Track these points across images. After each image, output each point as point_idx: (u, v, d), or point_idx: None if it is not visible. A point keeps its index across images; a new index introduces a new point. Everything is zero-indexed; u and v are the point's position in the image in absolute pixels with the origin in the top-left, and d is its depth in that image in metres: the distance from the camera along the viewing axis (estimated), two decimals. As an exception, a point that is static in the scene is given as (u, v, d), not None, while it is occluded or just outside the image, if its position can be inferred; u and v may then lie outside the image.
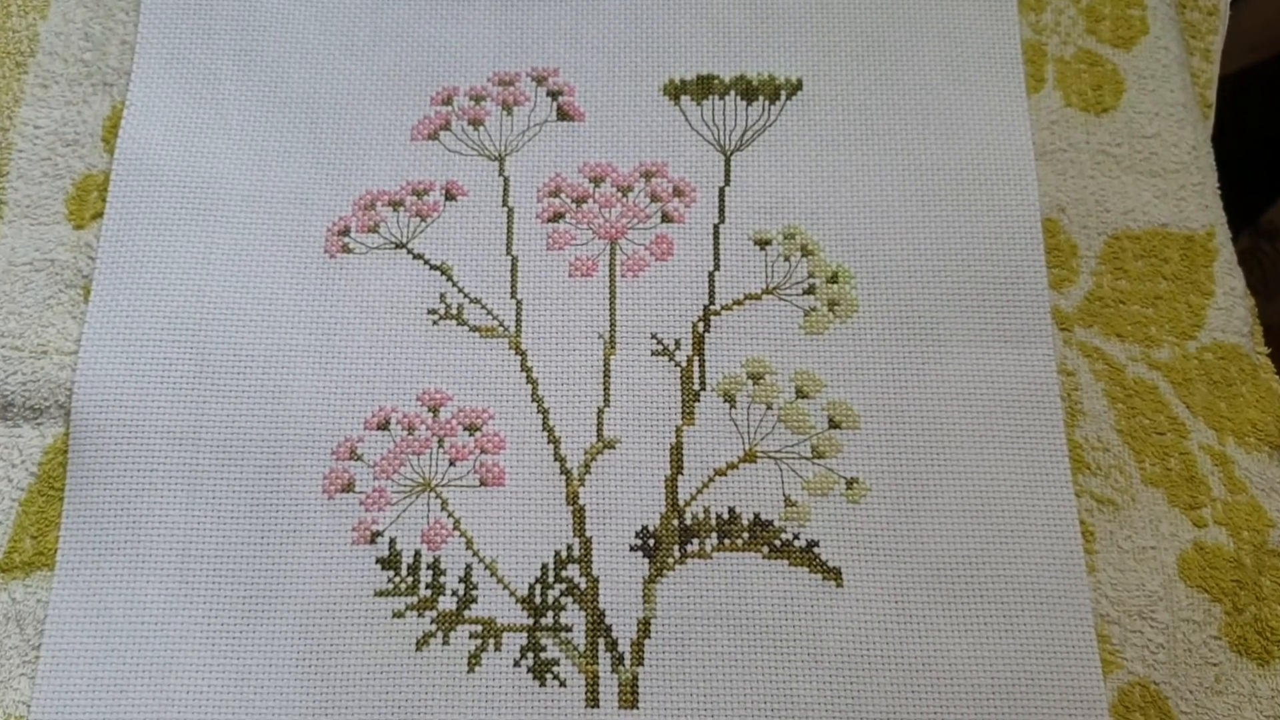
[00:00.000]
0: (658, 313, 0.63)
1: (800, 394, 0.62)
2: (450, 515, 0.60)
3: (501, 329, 0.63)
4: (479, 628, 0.58)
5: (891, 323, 0.64)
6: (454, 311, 0.64)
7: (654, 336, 0.63)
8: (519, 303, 0.64)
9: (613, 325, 0.63)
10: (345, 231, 0.65)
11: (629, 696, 0.57)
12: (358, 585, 0.59)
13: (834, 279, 0.65)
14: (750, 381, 0.62)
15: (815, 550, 0.60)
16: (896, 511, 0.60)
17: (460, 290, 0.64)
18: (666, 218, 0.66)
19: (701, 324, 0.63)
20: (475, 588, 0.59)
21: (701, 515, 0.60)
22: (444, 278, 0.65)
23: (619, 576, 0.59)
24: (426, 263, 0.65)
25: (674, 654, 0.58)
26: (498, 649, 0.58)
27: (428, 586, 0.59)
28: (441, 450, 0.61)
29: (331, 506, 0.60)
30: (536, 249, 0.65)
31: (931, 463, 0.62)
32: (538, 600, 0.59)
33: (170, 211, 0.65)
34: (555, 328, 0.63)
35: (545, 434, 0.61)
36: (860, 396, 0.63)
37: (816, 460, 0.61)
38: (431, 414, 0.62)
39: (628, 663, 0.58)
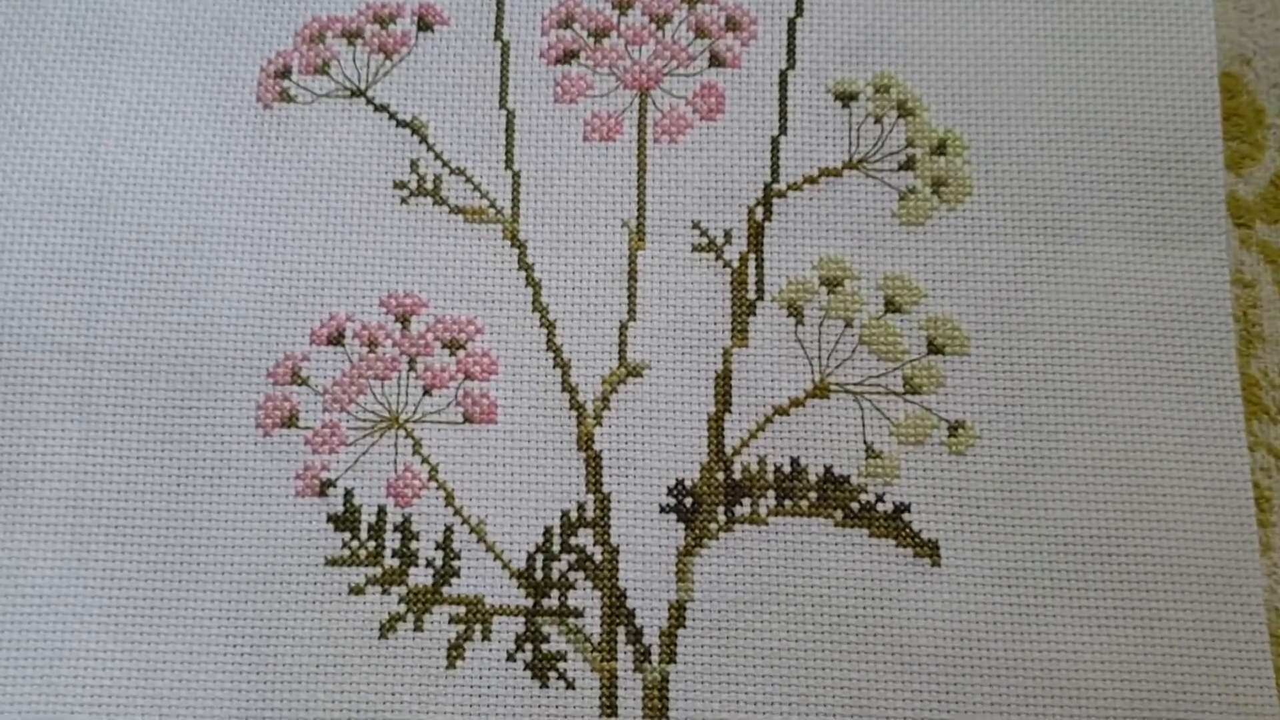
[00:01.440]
0: (702, 193, 0.55)
1: (891, 306, 0.54)
2: (425, 461, 0.53)
3: (493, 211, 0.55)
4: (462, 610, 0.51)
5: (1014, 211, 0.55)
6: (429, 186, 0.55)
7: (696, 226, 0.55)
8: (516, 175, 0.56)
9: (641, 209, 0.55)
10: (284, 73, 0.57)
11: (656, 703, 0.50)
12: (302, 551, 0.51)
13: (940, 149, 0.56)
14: (824, 289, 0.54)
15: (905, 517, 0.52)
16: (1013, 467, 0.52)
17: (438, 156, 0.56)
18: (716, 60, 0.57)
19: (760, 209, 0.55)
20: (457, 557, 0.52)
21: (755, 467, 0.52)
22: (416, 138, 0.56)
23: (645, 546, 0.52)
24: (393, 117, 0.56)
25: (715, 649, 0.50)
26: (486, 638, 0.51)
27: (395, 554, 0.52)
28: (413, 374, 0.53)
29: (267, 446, 0.52)
30: (540, 101, 0.56)
31: (1061, 402, 0.53)
32: (539, 575, 0.51)
33: (55, 46, 0.57)
34: (565, 211, 0.55)
35: (550, 355, 0.53)
36: (970, 311, 0.54)
37: (910, 396, 0.53)
38: (400, 325, 0.54)
39: (655, 659, 0.50)
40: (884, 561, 0.51)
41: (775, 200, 0.55)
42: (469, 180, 0.55)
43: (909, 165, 0.55)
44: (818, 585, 0.50)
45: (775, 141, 0.56)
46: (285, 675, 0.49)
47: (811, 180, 0.55)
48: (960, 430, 0.52)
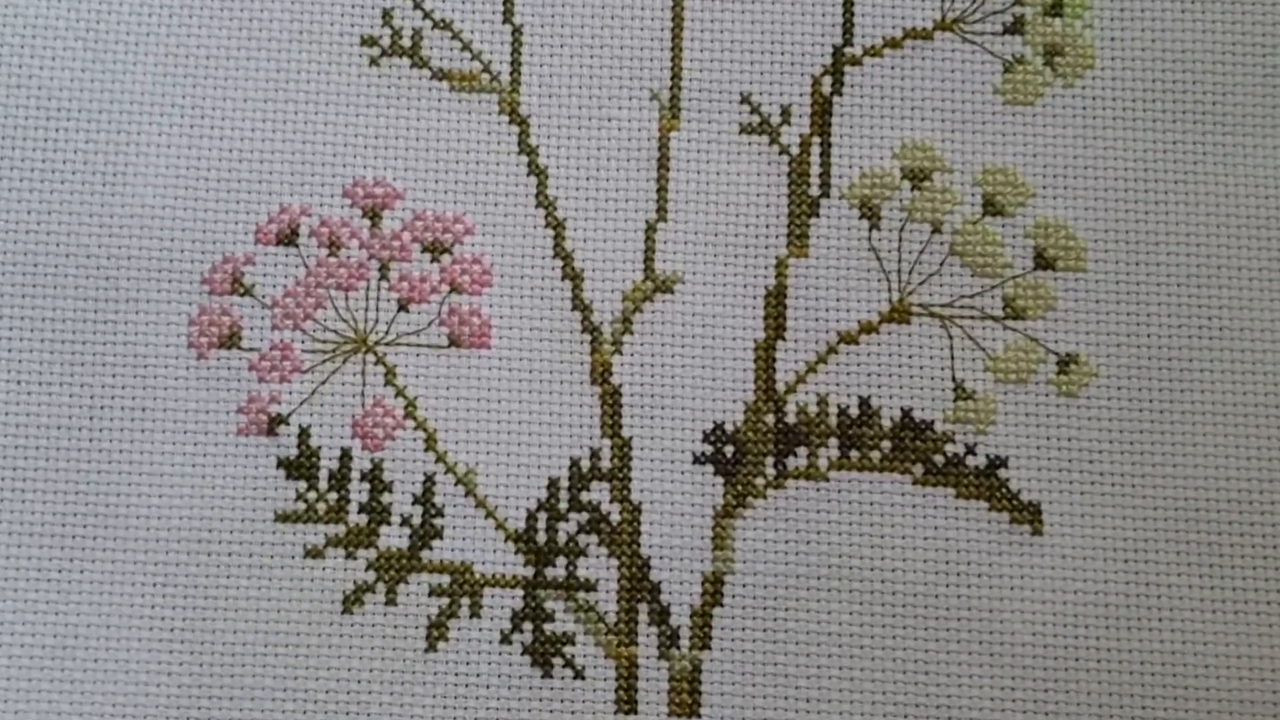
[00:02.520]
0: (754, 57, 0.51)
1: (990, 208, 0.49)
2: (400, 394, 0.48)
3: (487, 77, 0.50)
4: (446, 580, 0.47)
5: (1147, 90, 0.51)
6: (405, 43, 0.50)
7: (746, 100, 0.50)
8: (517, 31, 0.51)
9: (676, 77, 0.50)
10: None
11: (685, 697, 0.47)
12: (246, 504, 0.48)
13: (1056, 8, 0.51)
14: (906, 184, 0.49)
15: (1001, 473, 0.48)
16: (1136, 413, 0.48)
17: (417, 4, 0.51)
18: None
19: (829, 79, 0.50)
20: (440, 514, 0.48)
21: (814, 409, 0.48)
22: None
23: (675, 505, 0.48)
24: None
25: (759, 632, 0.47)
26: (475, 615, 0.47)
27: (362, 510, 0.48)
28: (385, 284, 0.49)
29: (202, 372, 0.48)
30: None
31: (1198, 333, 0.49)
32: (542, 538, 0.48)
33: None
34: (579, 79, 0.50)
35: (559, 264, 0.49)
36: (1089, 216, 0.49)
37: (1011, 322, 0.49)
38: (369, 222, 0.49)
39: (685, 645, 0.47)
40: (973, 529, 0.46)
41: (847, 69, 0.49)
42: (456, 36, 0.50)
43: (1016, 27, 0.50)
44: (889, 557, 0.46)
45: None
46: (226, 656, 0.46)
47: (893, 44, 0.50)
48: (1072, 366, 0.48)
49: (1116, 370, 0.48)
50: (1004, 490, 0.47)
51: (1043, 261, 0.49)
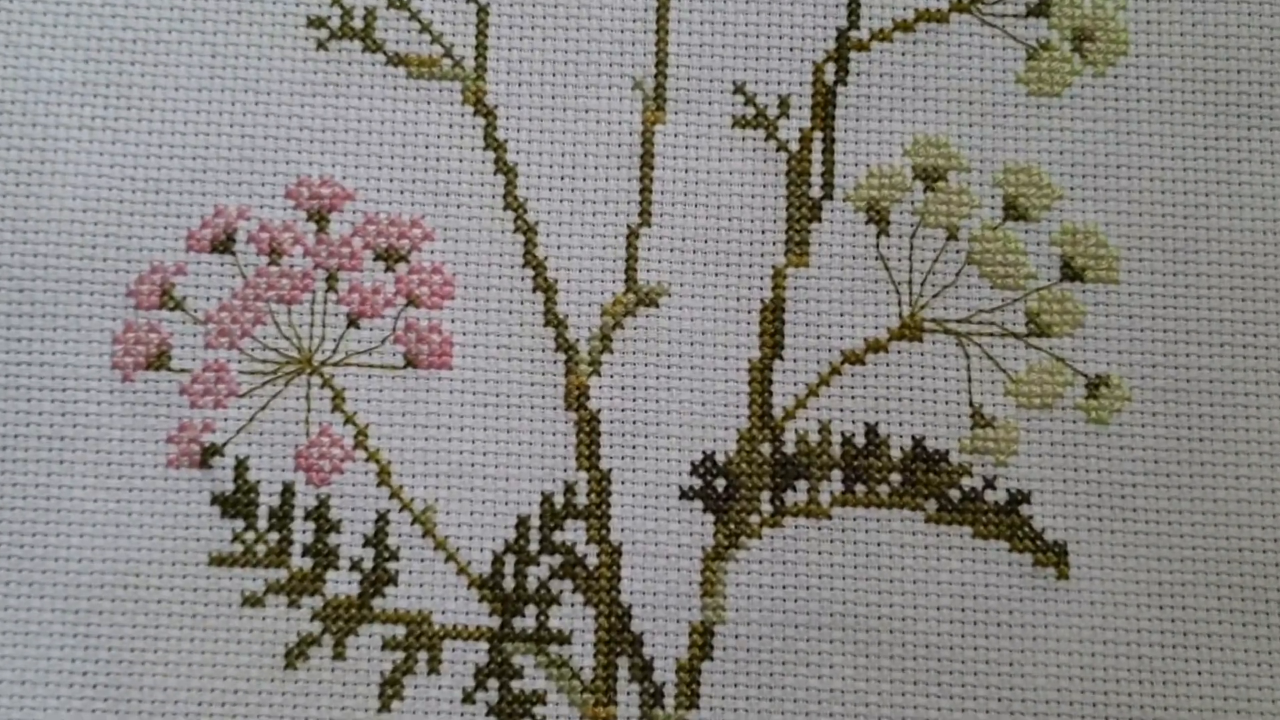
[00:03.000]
0: (749, 41, 0.48)
1: (1012, 211, 0.46)
2: (349, 420, 0.45)
3: (449, 63, 0.47)
4: (401, 631, 0.44)
5: (1187, 80, 0.47)
6: (357, 24, 0.47)
7: (739, 89, 0.47)
8: (482, 10, 0.47)
9: (661, 64, 0.47)
10: None
11: None
12: (177, 545, 0.45)
13: None
14: (919, 184, 0.46)
15: (1024, 510, 0.45)
16: (1173, 442, 0.45)
17: None
18: None
19: (832, 66, 0.47)
20: (394, 557, 0.45)
21: (816, 438, 0.45)
22: None
23: (659, 547, 0.45)
24: None
25: (753, 690, 0.44)
26: (434, 670, 0.44)
27: (307, 552, 0.45)
28: (334, 296, 0.45)
29: (128, 396, 0.45)
30: None
31: (1243, 352, 0.46)
32: (510, 585, 0.45)
33: None
34: (551, 65, 0.47)
35: (529, 273, 0.46)
36: (1122, 221, 0.46)
37: (1035, 340, 0.46)
38: (315, 225, 0.46)
39: (670, 704, 0.44)
40: (992, 571, 0.44)
41: (852, 55, 0.46)
42: (414, 16, 0.47)
43: (1041, 9, 0.47)
44: (898, 604, 0.44)
45: None
46: (155, 717, 0.42)
47: (904, 27, 0.47)
48: (1103, 389, 0.45)
49: (1152, 394, 0.45)
50: (1026, 529, 0.44)
51: (1070, 272, 0.46)
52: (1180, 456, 0.44)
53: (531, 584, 0.44)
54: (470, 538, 0.44)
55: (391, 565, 0.44)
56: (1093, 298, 0.46)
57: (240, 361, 0.45)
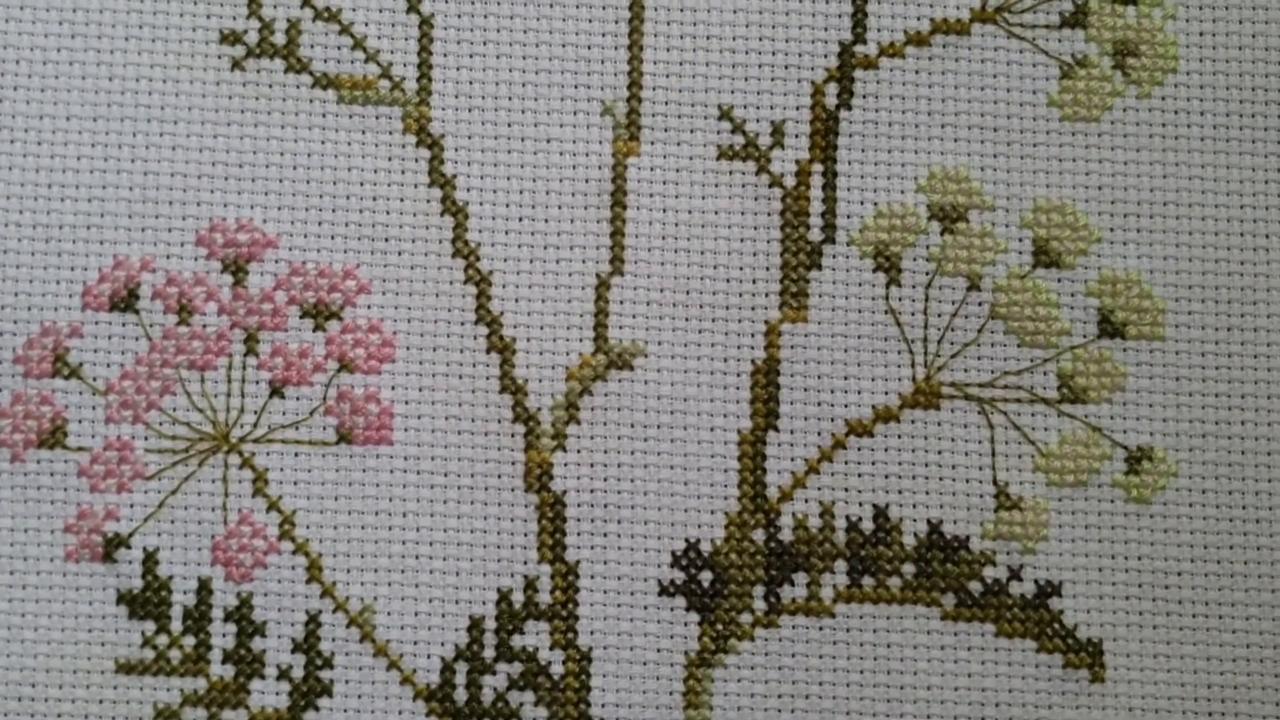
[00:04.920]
0: (736, 60, 0.45)
1: (1043, 256, 0.43)
2: (274, 506, 0.42)
3: (388, 85, 0.44)
4: None
5: (1243, 102, 0.44)
6: (278, 40, 0.44)
7: (726, 115, 0.44)
8: (426, 23, 0.44)
9: (635, 86, 0.44)
10: None
11: None
12: (79, 649, 0.42)
13: None
14: (934, 225, 0.43)
15: (1054, 604, 0.42)
16: (1228, 523, 0.42)
17: None
18: None
19: (834, 87, 0.44)
20: (328, 665, 0.42)
21: (816, 522, 0.43)
22: None
23: (635, 652, 0.43)
24: None
25: None
26: None
27: (228, 659, 0.42)
28: (254, 361, 0.42)
29: (18, 478, 0.43)
30: None
31: None
32: (461, 697, 0.42)
33: None
34: (508, 88, 0.44)
35: (483, 331, 0.43)
36: (1170, 267, 0.44)
37: (1069, 406, 0.43)
38: (231, 277, 0.43)
39: None
40: (1018, 674, 0.41)
41: (858, 73, 0.43)
42: (346, 30, 0.43)
43: (1078, 19, 0.43)
44: (912, 713, 0.41)
45: None
46: None
47: (919, 40, 0.43)
48: (1145, 463, 0.42)
49: (1201, 469, 0.43)
50: (1057, 625, 0.42)
51: (1109, 327, 0.43)
52: (1232, 540, 0.42)
53: (487, 696, 0.41)
54: (415, 642, 0.42)
55: (325, 674, 0.41)
56: (1134, 357, 0.43)
57: (147, 438, 0.42)
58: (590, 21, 0.43)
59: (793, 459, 0.42)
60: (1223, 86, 0.43)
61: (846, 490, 0.42)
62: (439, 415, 0.42)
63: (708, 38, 0.43)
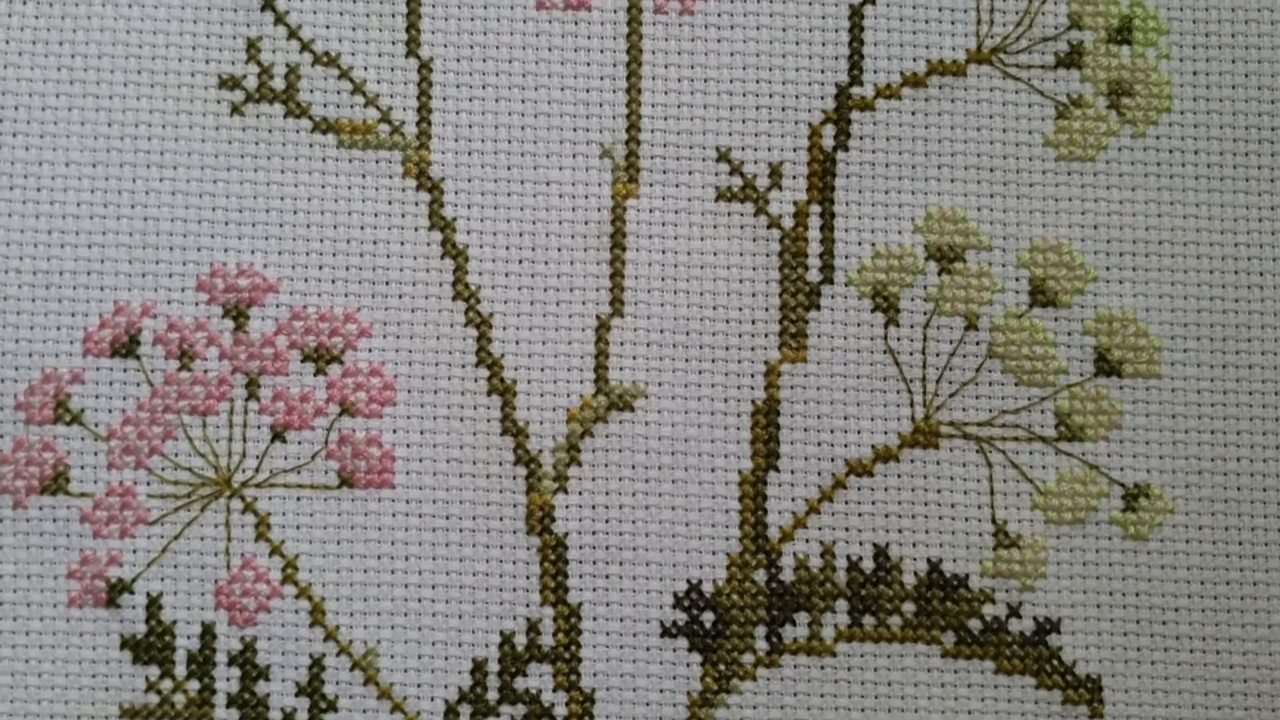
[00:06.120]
0: (734, 101, 0.45)
1: (1039, 295, 0.43)
2: (276, 551, 0.42)
3: (387, 129, 0.44)
4: None
5: (1238, 142, 0.44)
6: (278, 84, 0.44)
7: (724, 157, 0.44)
8: (425, 67, 0.44)
9: (634, 128, 0.44)
10: None
11: None
12: (83, 694, 0.42)
13: (1123, 33, 0.44)
14: (932, 265, 0.43)
15: (1053, 640, 0.42)
16: (1224, 559, 0.43)
17: (293, 33, 0.44)
18: None
19: (831, 128, 0.44)
20: (332, 708, 0.42)
21: (817, 562, 0.43)
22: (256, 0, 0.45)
23: (638, 692, 0.42)
24: None
25: None
26: None
27: (232, 703, 0.42)
28: (255, 405, 0.42)
29: (21, 525, 0.42)
30: None
31: None
32: None
33: None
34: (507, 131, 0.44)
35: (484, 374, 0.43)
36: (1165, 306, 0.44)
37: (1066, 444, 0.43)
38: (232, 322, 0.43)
39: None
40: (1018, 711, 0.41)
41: (855, 115, 0.43)
42: (345, 75, 0.43)
43: (1073, 59, 0.43)
44: None
45: (856, 13, 0.42)
46: None
47: (915, 81, 0.43)
48: (1143, 500, 0.42)
49: (1198, 505, 0.42)
50: (1056, 661, 0.42)
51: (1106, 366, 0.43)
52: (1229, 576, 0.42)
53: (491, 739, 0.41)
54: (419, 685, 0.41)
55: (329, 717, 0.41)
56: (1131, 395, 0.43)
57: (149, 483, 0.41)
58: (589, 65, 0.42)
59: (793, 499, 0.42)
60: (1217, 125, 0.43)
61: (847, 530, 0.42)
62: (440, 458, 0.41)
63: (705, 80, 0.43)
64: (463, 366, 0.42)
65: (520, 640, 0.41)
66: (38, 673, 0.41)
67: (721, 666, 0.41)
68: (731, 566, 0.41)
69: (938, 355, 0.42)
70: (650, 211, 0.43)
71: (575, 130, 0.43)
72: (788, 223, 0.42)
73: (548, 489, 0.41)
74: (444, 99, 0.43)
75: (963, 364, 0.42)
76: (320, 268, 0.42)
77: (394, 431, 0.41)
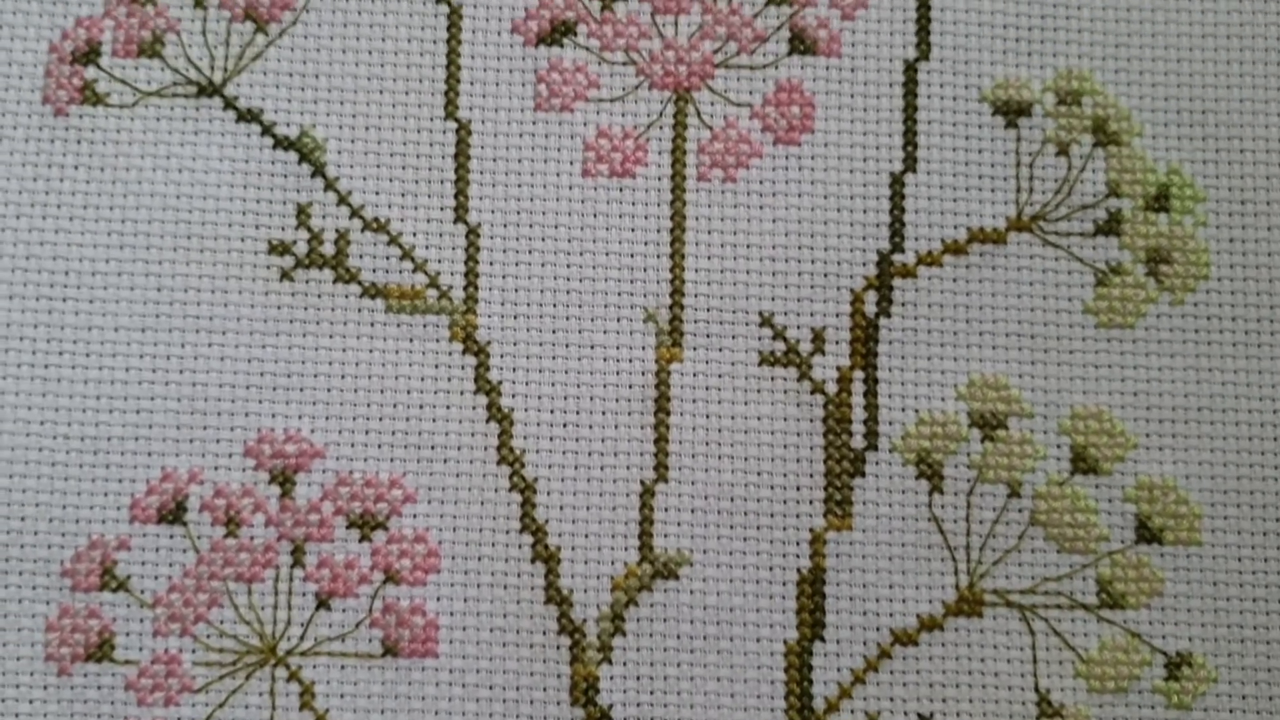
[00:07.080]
0: (777, 267, 0.44)
1: (1081, 462, 0.43)
2: (320, 719, 0.41)
3: (434, 294, 0.43)
4: None
5: (1278, 304, 0.44)
6: (327, 250, 0.43)
7: (767, 322, 0.44)
8: (473, 233, 0.44)
9: (678, 294, 0.44)
10: (89, 54, 0.45)
11: None
12: None
13: (1160, 201, 0.44)
14: (975, 432, 0.43)
15: None
16: None
17: (342, 199, 0.44)
18: (801, 41, 0.46)
19: (874, 294, 0.44)
20: None
21: None
22: (306, 167, 0.44)
23: None
24: (267, 131, 0.45)
25: None
26: None
27: None
28: (300, 573, 0.41)
29: (65, 692, 0.41)
30: (513, 108, 0.46)
31: None
32: None
33: None
34: (550, 294, 0.44)
35: (528, 541, 0.42)
36: (1205, 473, 0.43)
37: (1108, 612, 0.42)
38: (279, 488, 0.42)
39: None
40: None
41: (897, 281, 0.42)
42: (394, 240, 0.42)
43: (1111, 227, 0.42)
44: None
45: (898, 181, 0.42)
46: None
47: (956, 249, 0.42)
48: (1185, 669, 0.41)
49: (1240, 674, 0.41)
50: None
51: (1147, 533, 0.42)
52: None
53: None
54: None
55: None
56: (1172, 562, 0.42)
57: (194, 651, 0.40)
58: (633, 230, 0.42)
59: (839, 669, 0.41)
60: (1254, 292, 0.43)
61: (892, 699, 0.41)
62: (484, 627, 0.41)
63: (748, 246, 0.43)
64: (506, 533, 0.41)
65: (565, 816, 0.40)
66: None
67: (768, 841, 0.40)
68: (776, 739, 0.41)
69: (981, 523, 0.41)
70: (694, 376, 0.42)
71: (620, 295, 0.42)
72: (831, 388, 0.42)
73: (592, 660, 0.40)
74: (491, 264, 0.42)
75: (1005, 531, 0.41)
76: (366, 432, 0.42)
77: (438, 599, 0.41)
